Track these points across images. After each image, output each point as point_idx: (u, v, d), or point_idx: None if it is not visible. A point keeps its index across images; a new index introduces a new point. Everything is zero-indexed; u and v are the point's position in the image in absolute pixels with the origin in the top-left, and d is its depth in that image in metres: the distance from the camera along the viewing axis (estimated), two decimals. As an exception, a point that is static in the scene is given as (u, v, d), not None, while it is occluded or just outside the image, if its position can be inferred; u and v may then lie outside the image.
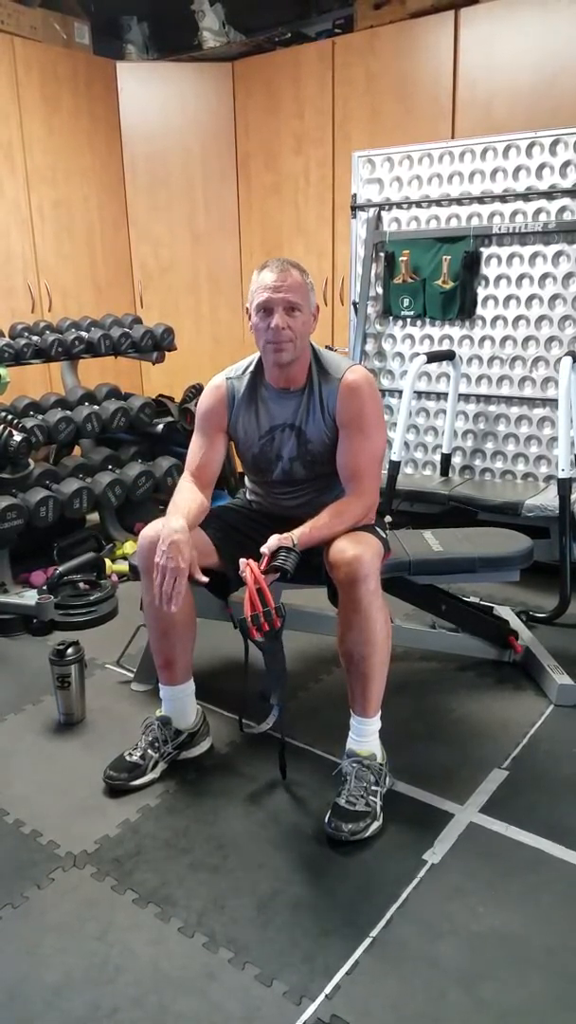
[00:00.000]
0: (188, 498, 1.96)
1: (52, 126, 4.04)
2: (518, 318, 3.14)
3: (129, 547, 3.44)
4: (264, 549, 1.78)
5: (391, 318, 3.47)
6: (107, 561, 3.26)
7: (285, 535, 1.79)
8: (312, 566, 1.83)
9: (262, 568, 1.74)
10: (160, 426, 3.71)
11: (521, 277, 3.10)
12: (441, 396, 3.39)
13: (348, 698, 1.85)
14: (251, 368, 2.03)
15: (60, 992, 1.41)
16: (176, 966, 1.46)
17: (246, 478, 2.23)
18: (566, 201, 2.95)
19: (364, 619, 1.77)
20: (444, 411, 3.36)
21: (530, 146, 2.99)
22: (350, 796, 1.77)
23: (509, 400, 3.23)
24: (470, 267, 3.18)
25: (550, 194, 2.98)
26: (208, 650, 2.43)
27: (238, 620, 1.73)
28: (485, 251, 3.17)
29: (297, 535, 1.79)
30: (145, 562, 1.94)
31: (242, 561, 1.76)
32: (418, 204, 3.31)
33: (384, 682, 1.83)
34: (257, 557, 1.78)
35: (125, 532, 3.62)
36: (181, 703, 2.04)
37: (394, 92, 3.77)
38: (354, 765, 1.82)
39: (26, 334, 3.47)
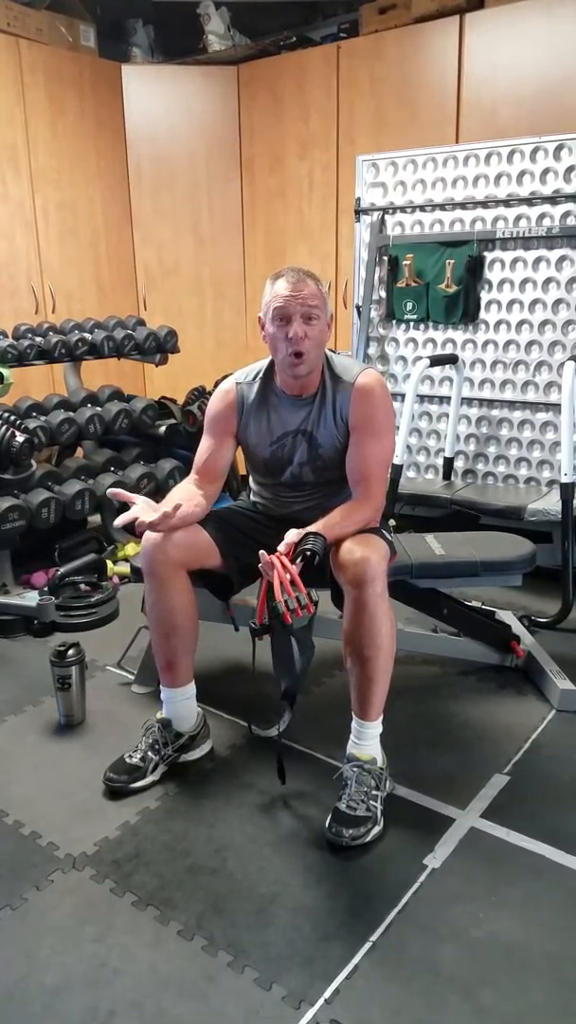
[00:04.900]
0: (179, 492, 1.99)
1: (57, 128, 4.05)
2: (521, 322, 3.14)
3: (130, 549, 3.44)
4: (288, 540, 1.74)
5: (394, 322, 3.47)
6: (108, 563, 3.26)
7: (305, 529, 1.77)
8: (316, 567, 1.83)
9: (288, 557, 1.71)
10: (162, 428, 3.71)
11: (525, 281, 3.10)
12: (444, 400, 3.39)
13: (351, 701, 1.85)
14: (261, 374, 2.03)
15: (58, 994, 1.41)
16: (175, 969, 1.45)
17: (251, 479, 2.23)
18: (570, 206, 2.95)
19: (370, 621, 1.76)
20: (447, 415, 3.36)
21: (534, 151, 3.00)
22: (351, 801, 1.77)
23: (512, 404, 3.23)
24: (473, 271, 3.18)
25: (554, 199, 2.98)
26: (209, 653, 2.42)
27: (269, 607, 1.67)
28: (489, 255, 3.17)
29: (316, 530, 1.77)
30: (147, 564, 1.94)
31: (263, 554, 1.69)
32: (422, 208, 3.31)
33: (387, 686, 1.82)
34: (270, 554, 1.74)
35: (127, 534, 3.61)
36: (182, 705, 2.03)
37: (399, 96, 3.78)
38: (355, 769, 1.81)
39: (29, 335, 3.47)
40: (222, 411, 2.05)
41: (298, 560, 1.71)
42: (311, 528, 1.77)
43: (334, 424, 1.96)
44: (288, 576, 1.67)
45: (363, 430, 1.93)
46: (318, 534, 1.75)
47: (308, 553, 1.71)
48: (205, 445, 2.06)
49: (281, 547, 1.73)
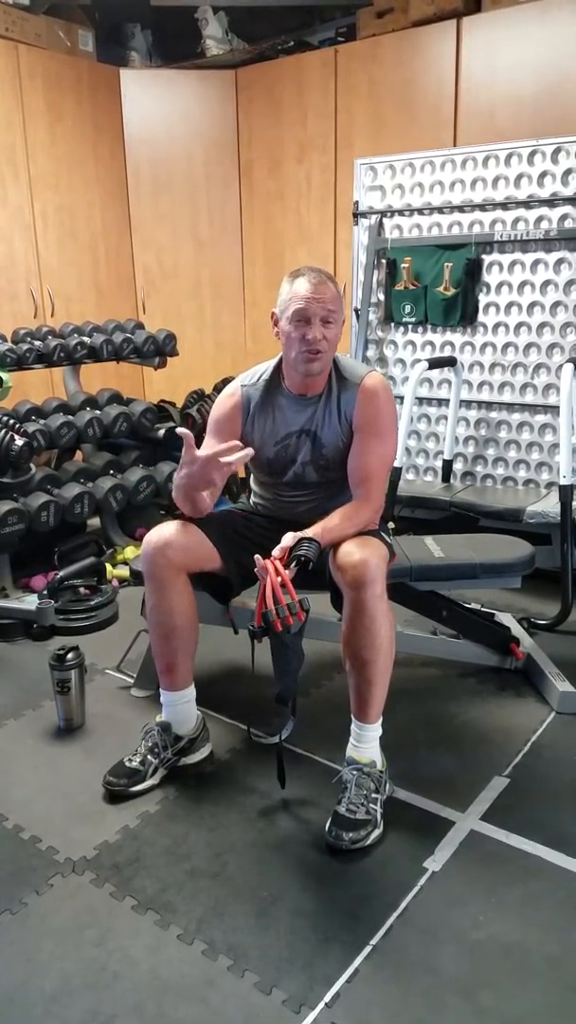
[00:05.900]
0: None
1: (56, 132, 4.06)
2: (520, 325, 3.14)
3: (130, 552, 3.44)
4: (283, 544, 1.75)
5: (393, 324, 3.47)
6: (108, 566, 3.26)
7: (300, 532, 1.78)
8: (313, 571, 1.83)
9: (283, 561, 1.72)
10: (162, 431, 3.71)
11: (523, 284, 3.10)
12: (443, 402, 3.40)
13: (350, 704, 1.85)
14: (266, 375, 2.04)
15: (58, 998, 1.41)
16: (175, 973, 1.45)
17: (252, 480, 2.23)
18: (568, 209, 2.96)
19: (369, 623, 1.76)
20: (446, 417, 3.36)
21: (532, 154, 3.00)
22: (350, 804, 1.76)
23: (511, 406, 3.23)
24: (472, 274, 3.19)
25: (552, 202, 2.99)
26: (209, 656, 2.42)
27: (260, 613, 1.67)
28: (487, 258, 3.17)
29: (311, 534, 1.78)
30: (147, 567, 1.94)
31: (258, 558, 1.72)
32: (420, 211, 3.32)
33: (387, 688, 1.83)
34: (266, 558, 1.75)
35: (126, 537, 3.62)
36: (181, 708, 2.03)
37: (396, 100, 3.79)
38: (354, 772, 1.81)
39: (29, 339, 3.48)
40: (227, 413, 2.05)
41: (292, 565, 1.71)
42: (307, 532, 1.78)
43: (338, 424, 1.97)
44: (280, 581, 1.67)
45: (367, 431, 1.94)
46: (312, 539, 1.76)
47: (302, 558, 1.72)
48: (208, 447, 2.06)
49: (276, 551, 1.74)
